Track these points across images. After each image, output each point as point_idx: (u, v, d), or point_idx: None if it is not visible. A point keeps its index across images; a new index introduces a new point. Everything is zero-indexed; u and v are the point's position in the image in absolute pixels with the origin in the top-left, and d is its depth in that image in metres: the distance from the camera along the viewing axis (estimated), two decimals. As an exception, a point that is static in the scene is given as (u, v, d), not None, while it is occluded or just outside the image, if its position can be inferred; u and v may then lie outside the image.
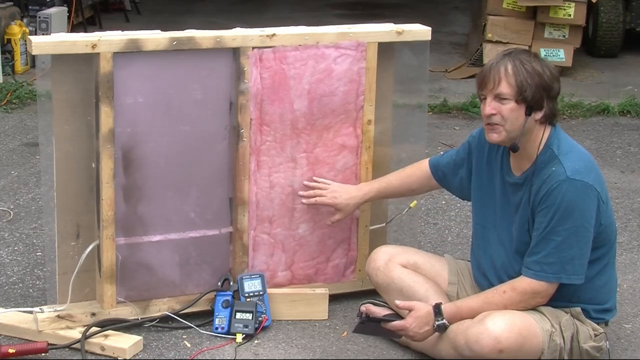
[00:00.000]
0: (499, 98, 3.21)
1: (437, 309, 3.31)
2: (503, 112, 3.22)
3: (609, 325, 3.47)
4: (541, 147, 3.25)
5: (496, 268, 3.41)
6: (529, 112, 3.20)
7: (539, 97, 3.19)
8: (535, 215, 3.24)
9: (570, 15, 7.75)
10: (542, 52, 7.75)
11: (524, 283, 3.24)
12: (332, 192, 3.75)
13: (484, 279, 3.48)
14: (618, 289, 3.99)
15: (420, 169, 3.73)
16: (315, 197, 3.76)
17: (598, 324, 3.35)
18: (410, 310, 3.36)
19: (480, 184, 3.48)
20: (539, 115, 3.22)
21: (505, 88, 3.20)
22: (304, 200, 3.78)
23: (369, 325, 3.50)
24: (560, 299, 3.28)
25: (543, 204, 3.21)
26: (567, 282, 3.22)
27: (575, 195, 3.17)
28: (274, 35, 3.61)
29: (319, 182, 3.78)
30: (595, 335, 3.32)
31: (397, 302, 3.44)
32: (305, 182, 3.78)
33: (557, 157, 3.22)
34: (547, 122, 3.25)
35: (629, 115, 6.86)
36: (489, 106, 3.24)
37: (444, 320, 3.29)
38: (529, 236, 3.27)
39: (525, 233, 3.28)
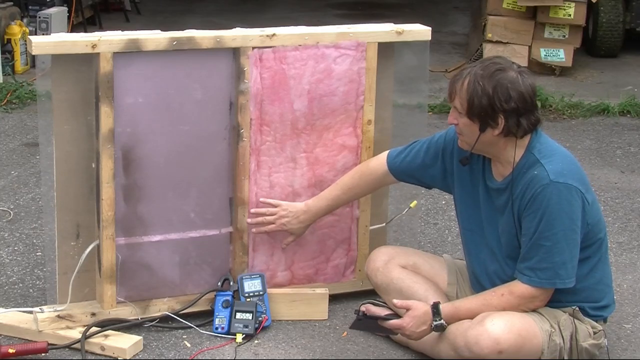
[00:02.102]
0: (457, 111, 3.26)
1: (435, 309, 3.31)
2: (460, 124, 3.27)
3: (607, 323, 3.46)
4: (521, 153, 3.25)
5: (489, 273, 3.41)
6: (482, 129, 3.21)
7: (488, 117, 3.19)
8: (522, 220, 3.24)
9: (570, 15, 7.75)
10: (542, 52, 7.75)
11: (521, 287, 3.24)
12: (280, 219, 3.72)
13: (478, 284, 3.48)
14: (618, 289, 4.00)
15: (373, 173, 3.67)
16: (264, 225, 3.74)
17: (596, 321, 3.35)
18: (407, 310, 3.36)
19: (464, 190, 3.47)
20: (496, 131, 3.21)
21: (458, 103, 3.24)
22: (253, 230, 3.75)
23: (366, 322, 3.50)
24: (557, 299, 3.28)
25: (529, 209, 3.21)
26: (561, 286, 3.22)
27: (560, 198, 3.17)
28: (274, 35, 3.61)
29: (266, 205, 3.74)
30: (594, 333, 3.32)
31: (395, 301, 3.44)
32: (253, 210, 3.72)
33: (539, 160, 3.22)
34: (518, 135, 3.22)
35: (629, 115, 6.85)
36: (450, 116, 3.31)
37: (442, 321, 3.29)
38: (517, 241, 3.28)
39: (514, 238, 3.28)
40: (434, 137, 3.57)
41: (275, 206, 3.74)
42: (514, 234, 3.28)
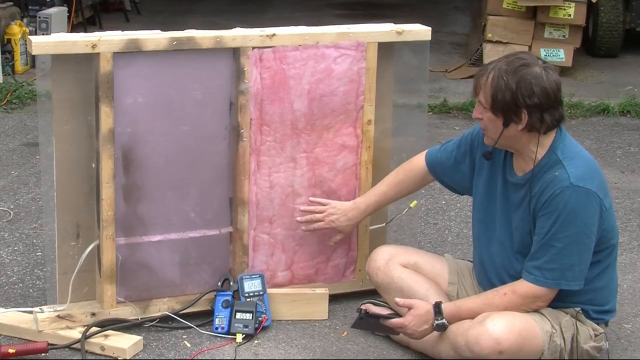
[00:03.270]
0: (481, 105, 3.26)
1: (437, 308, 3.31)
2: (484, 119, 3.27)
3: (608, 326, 3.47)
4: (544, 151, 3.25)
5: (497, 267, 3.41)
6: (506, 124, 3.22)
7: (511, 112, 3.19)
8: (537, 219, 3.24)
9: (570, 15, 7.75)
10: (542, 52, 7.75)
11: (524, 287, 3.24)
12: (329, 216, 3.75)
13: (485, 277, 3.48)
14: (618, 289, 4.00)
15: (414, 170, 3.70)
16: (313, 222, 3.77)
17: (598, 324, 3.35)
18: (410, 308, 3.36)
19: (482, 181, 3.47)
20: (519, 126, 3.21)
21: (482, 97, 3.25)
22: (302, 227, 3.79)
23: (368, 321, 3.51)
24: (560, 299, 3.28)
25: (545, 209, 3.20)
26: (566, 288, 3.22)
27: (578, 202, 3.17)
28: (274, 35, 3.61)
29: (315, 203, 3.77)
30: (596, 336, 3.32)
31: (397, 299, 3.44)
32: (302, 208, 3.77)
33: (561, 162, 3.22)
34: (541, 130, 3.23)
35: (629, 115, 6.85)
36: (476, 110, 3.31)
37: (444, 320, 3.29)
38: (530, 238, 3.27)
39: (527, 235, 3.28)
40: (464, 134, 3.59)
41: (324, 204, 3.76)
42: (528, 232, 3.28)
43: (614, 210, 3.37)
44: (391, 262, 3.66)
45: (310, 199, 3.78)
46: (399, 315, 3.48)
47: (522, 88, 3.16)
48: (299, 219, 3.78)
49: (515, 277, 3.31)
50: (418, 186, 3.77)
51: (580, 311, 3.30)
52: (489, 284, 3.42)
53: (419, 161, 3.70)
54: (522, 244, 3.31)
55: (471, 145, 3.53)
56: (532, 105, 3.17)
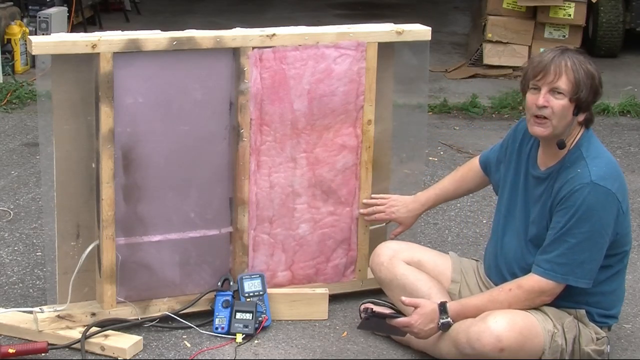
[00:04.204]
0: (555, 92, 3.20)
1: (442, 307, 3.31)
2: (555, 106, 3.20)
3: (611, 330, 3.46)
4: (571, 147, 3.26)
5: (509, 259, 3.41)
6: (576, 112, 3.21)
7: (589, 100, 3.20)
8: (554, 214, 3.24)
9: (570, 15, 7.76)
10: (542, 52, 7.75)
11: (531, 281, 3.25)
12: (389, 208, 3.82)
13: (496, 269, 3.48)
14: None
15: (472, 168, 3.76)
16: (374, 214, 3.83)
17: (601, 327, 3.35)
18: (415, 307, 3.36)
19: (510, 175, 3.48)
20: (582, 117, 3.23)
21: (564, 83, 3.19)
22: (366, 218, 3.85)
23: (374, 321, 3.51)
24: (566, 298, 3.28)
25: (563, 204, 3.21)
26: (574, 284, 3.22)
27: (596, 201, 3.17)
28: (274, 35, 3.61)
29: (377, 198, 3.84)
30: (598, 339, 3.32)
31: (403, 298, 3.44)
32: (365, 200, 3.84)
33: (585, 159, 3.22)
34: (584, 125, 3.26)
35: (629, 115, 6.86)
36: (543, 97, 3.21)
37: (449, 319, 3.30)
38: (545, 233, 3.27)
39: (543, 229, 3.28)
40: (506, 135, 3.60)
41: (386, 198, 3.84)
42: (545, 226, 3.28)
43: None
44: (395, 258, 3.66)
45: (373, 195, 3.86)
46: (402, 314, 3.48)
47: (600, 77, 3.22)
48: (361, 211, 3.84)
49: (527, 270, 3.30)
50: (477, 184, 3.80)
51: (584, 313, 3.30)
52: (500, 276, 3.43)
53: (474, 163, 3.77)
54: (536, 238, 3.31)
55: (507, 144, 3.55)
56: (599, 95, 3.24)
